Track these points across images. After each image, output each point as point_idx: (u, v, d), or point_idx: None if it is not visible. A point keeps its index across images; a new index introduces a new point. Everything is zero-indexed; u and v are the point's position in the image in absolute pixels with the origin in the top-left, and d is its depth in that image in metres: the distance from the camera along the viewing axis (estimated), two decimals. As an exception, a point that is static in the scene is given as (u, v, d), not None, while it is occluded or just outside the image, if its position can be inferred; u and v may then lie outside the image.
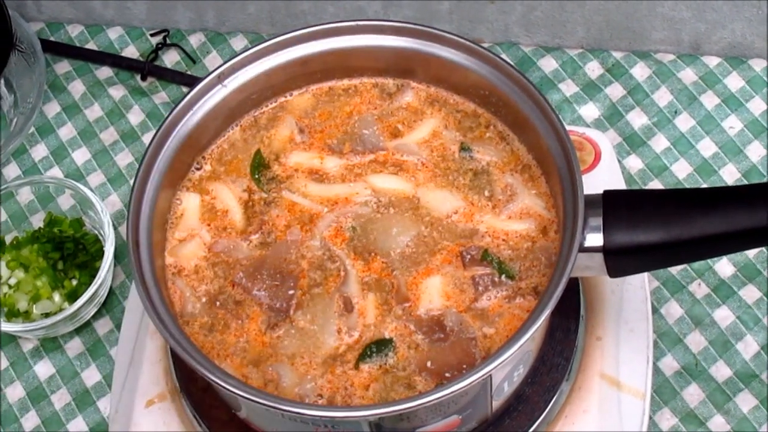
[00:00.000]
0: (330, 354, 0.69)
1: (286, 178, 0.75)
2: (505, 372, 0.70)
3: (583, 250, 0.67)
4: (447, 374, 0.68)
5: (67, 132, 1.02)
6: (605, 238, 0.67)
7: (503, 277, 0.71)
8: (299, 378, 0.68)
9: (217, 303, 0.71)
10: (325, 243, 0.73)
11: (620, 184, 0.87)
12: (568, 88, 0.99)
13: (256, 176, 0.75)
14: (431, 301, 0.70)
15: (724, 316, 0.88)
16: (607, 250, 0.67)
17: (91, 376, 0.91)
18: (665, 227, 0.67)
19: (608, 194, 0.69)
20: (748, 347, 0.87)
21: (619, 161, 0.90)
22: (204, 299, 0.72)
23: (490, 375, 0.64)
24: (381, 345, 0.69)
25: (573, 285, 0.79)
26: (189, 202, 0.75)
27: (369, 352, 0.69)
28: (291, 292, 0.71)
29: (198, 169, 0.76)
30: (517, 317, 0.70)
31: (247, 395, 0.64)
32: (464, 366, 0.68)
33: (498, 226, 0.72)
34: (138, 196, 0.71)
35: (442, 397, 0.62)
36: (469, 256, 0.71)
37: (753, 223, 0.65)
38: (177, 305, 0.72)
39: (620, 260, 0.68)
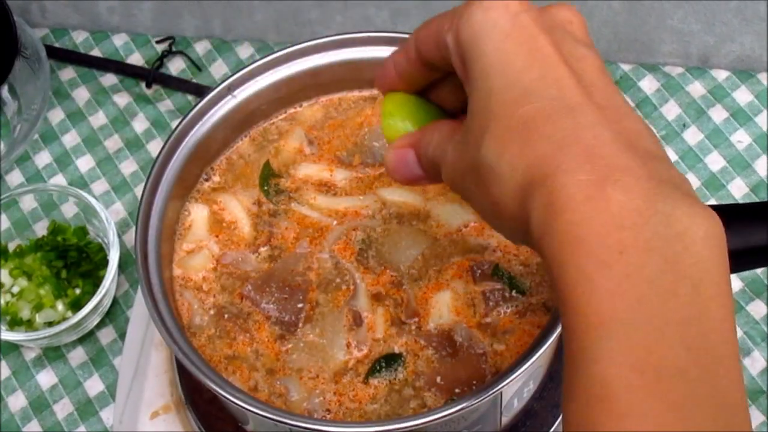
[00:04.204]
0: (339, 368, 0.69)
1: (295, 190, 0.75)
2: (516, 388, 0.69)
3: (595, 265, 0.66)
4: (457, 390, 0.67)
5: (71, 139, 1.01)
6: (617, 254, 0.67)
7: (514, 292, 0.70)
8: (308, 392, 0.68)
9: (225, 316, 0.71)
10: (334, 256, 0.72)
11: (629, 198, 0.86)
12: (576, 100, 0.99)
13: (265, 188, 0.75)
14: (441, 316, 0.70)
15: (731, 331, 0.88)
16: (619, 267, 0.67)
17: (93, 386, 0.90)
18: (678, 244, 0.66)
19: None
20: (755, 363, 0.87)
21: (627, 175, 0.90)
22: (212, 311, 0.71)
23: (501, 391, 0.64)
24: (390, 360, 0.68)
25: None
26: (197, 213, 0.74)
27: (378, 367, 0.68)
28: (300, 305, 0.70)
29: (206, 180, 0.76)
30: (527, 333, 0.69)
31: (254, 409, 0.63)
32: (474, 382, 0.67)
33: (509, 241, 0.72)
34: (146, 207, 0.70)
35: (452, 413, 0.62)
36: (479, 271, 0.70)
37: (765, 240, 0.65)
38: (185, 317, 0.71)
39: (632, 276, 0.68)
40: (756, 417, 0.85)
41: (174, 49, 1.04)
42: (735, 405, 0.43)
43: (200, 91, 1.01)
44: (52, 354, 0.91)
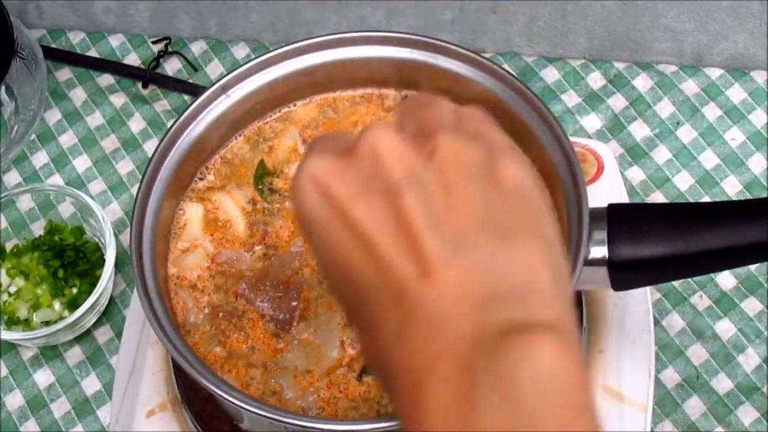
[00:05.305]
0: (333, 366, 0.69)
1: (289, 189, 0.75)
2: (509, 385, 0.69)
3: (588, 263, 0.67)
4: (450, 387, 0.67)
5: (67, 139, 1.01)
6: (610, 251, 0.67)
7: (507, 289, 0.70)
8: (302, 390, 0.68)
9: (220, 314, 0.71)
10: (329, 254, 0.72)
11: (622, 196, 0.86)
12: (570, 98, 0.99)
13: (260, 187, 0.75)
14: (435, 314, 0.70)
15: (725, 328, 0.88)
16: (611, 264, 0.67)
17: (90, 384, 0.91)
18: (670, 241, 0.66)
19: (613, 207, 0.69)
20: (749, 360, 0.87)
21: (621, 173, 0.90)
22: (207, 310, 0.72)
23: (494, 388, 0.64)
24: (384, 357, 0.69)
25: (576, 297, 0.79)
26: (192, 212, 0.74)
27: (372, 365, 0.69)
28: (294, 303, 0.70)
29: (201, 179, 0.76)
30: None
31: (249, 407, 0.64)
32: (467, 379, 0.68)
33: (502, 239, 0.72)
34: (141, 207, 0.70)
35: (445, 410, 0.62)
36: (472, 269, 0.71)
37: (758, 237, 0.65)
38: (179, 316, 0.71)
39: (625, 274, 0.68)
40: (750, 414, 0.85)
41: (170, 49, 1.05)
42: None
43: (196, 91, 1.01)
44: (50, 353, 0.92)
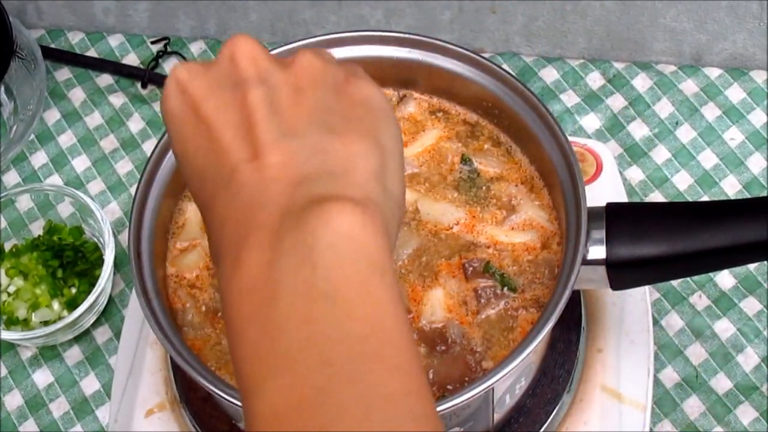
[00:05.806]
0: (332, 365, 0.69)
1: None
2: (508, 384, 0.69)
3: (586, 263, 0.67)
4: (449, 386, 0.68)
5: (67, 139, 1.01)
6: (608, 251, 0.67)
7: (505, 289, 0.70)
8: (301, 389, 0.68)
9: (219, 314, 0.71)
10: (327, 254, 0.72)
11: (621, 196, 0.86)
12: (569, 98, 0.99)
13: (258, 186, 0.75)
14: (433, 313, 0.70)
15: (724, 328, 0.88)
16: (609, 263, 0.67)
17: (89, 384, 0.91)
18: (668, 240, 0.67)
19: (611, 207, 0.69)
20: (748, 359, 0.87)
21: (620, 172, 0.90)
22: (204, 309, 0.72)
23: (493, 387, 0.64)
24: (383, 357, 0.69)
25: (574, 296, 0.79)
26: (191, 212, 0.74)
27: (371, 364, 0.68)
28: (293, 303, 0.70)
29: (200, 178, 0.76)
30: (519, 329, 0.69)
31: (248, 406, 0.64)
32: (466, 378, 0.68)
33: (500, 238, 0.72)
34: (140, 206, 0.70)
35: (444, 409, 0.62)
36: (471, 268, 0.71)
37: (757, 236, 0.65)
38: (178, 315, 0.71)
39: (623, 273, 0.68)
40: (749, 413, 0.85)
41: (169, 49, 1.05)
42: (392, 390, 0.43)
43: (195, 91, 1.01)
44: (49, 353, 0.92)
